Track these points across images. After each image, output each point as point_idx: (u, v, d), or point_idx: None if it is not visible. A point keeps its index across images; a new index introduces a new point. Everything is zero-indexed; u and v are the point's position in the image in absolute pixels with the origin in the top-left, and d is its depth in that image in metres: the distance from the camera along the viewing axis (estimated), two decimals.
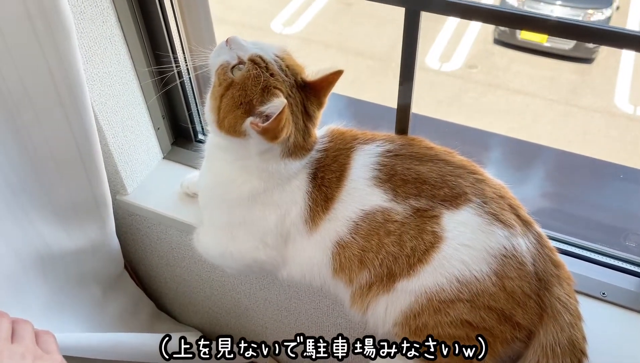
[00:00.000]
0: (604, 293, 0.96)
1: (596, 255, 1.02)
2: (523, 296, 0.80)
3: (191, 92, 1.17)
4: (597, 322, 0.92)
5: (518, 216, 0.84)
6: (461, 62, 4.43)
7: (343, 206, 0.86)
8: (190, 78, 1.14)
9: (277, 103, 0.77)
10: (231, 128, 0.81)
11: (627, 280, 0.98)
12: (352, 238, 0.85)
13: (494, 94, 4.14)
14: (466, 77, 4.35)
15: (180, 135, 1.24)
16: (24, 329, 0.73)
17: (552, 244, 0.89)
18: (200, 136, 1.25)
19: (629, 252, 1.00)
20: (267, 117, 0.78)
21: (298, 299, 1.19)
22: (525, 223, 0.84)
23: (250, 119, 0.79)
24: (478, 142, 1.36)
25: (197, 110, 1.20)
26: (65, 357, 0.75)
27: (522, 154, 1.32)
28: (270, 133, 0.79)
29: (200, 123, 1.23)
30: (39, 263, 0.95)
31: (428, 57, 4.40)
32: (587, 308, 0.91)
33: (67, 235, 0.99)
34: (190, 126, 1.21)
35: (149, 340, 1.12)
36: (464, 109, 3.98)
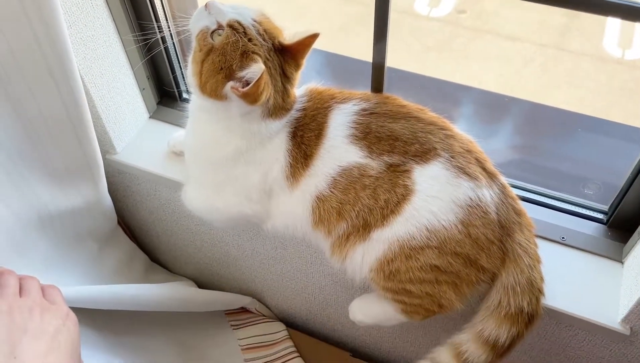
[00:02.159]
0: (563, 237, 1.02)
1: (557, 202, 1.07)
2: (487, 242, 0.86)
3: (174, 54, 1.19)
4: (557, 264, 0.99)
5: (484, 168, 0.89)
6: (450, 7, 4.36)
7: (322, 163, 0.90)
8: (173, 42, 1.16)
9: (256, 69, 0.80)
10: (213, 92, 0.85)
11: (585, 224, 1.04)
12: (331, 192, 0.90)
13: (484, 39, 4.09)
14: (455, 22, 4.29)
15: (165, 95, 1.27)
16: (31, 284, 0.78)
17: (517, 192, 0.94)
18: (184, 95, 1.28)
19: (588, 199, 1.06)
20: (247, 82, 0.81)
21: (283, 249, 1.25)
22: (490, 175, 0.89)
23: (230, 84, 0.82)
24: (454, 96, 1.40)
25: (181, 70, 1.23)
26: None
27: (495, 108, 1.36)
28: (250, 97, 0.82)
29: (185, 83, 1.26)
30: (38, 222, 1.00)
31: (417, 2, 4.33)
32: (548, 251, 0.98)
33: (63, 195, 1.04)
34: (174, 86, 1.24)
35: (144, 290, 1.19)
36: (454, 55, 3.95)
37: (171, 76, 1.21)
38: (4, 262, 0.92)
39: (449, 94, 1.39)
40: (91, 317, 1.09)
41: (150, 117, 1.25)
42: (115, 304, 1.12)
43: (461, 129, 0.94)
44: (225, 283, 1.52)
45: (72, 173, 1.04)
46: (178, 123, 1.23)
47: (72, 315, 0.79)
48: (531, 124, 1.32)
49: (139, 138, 1.22)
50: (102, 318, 1.13)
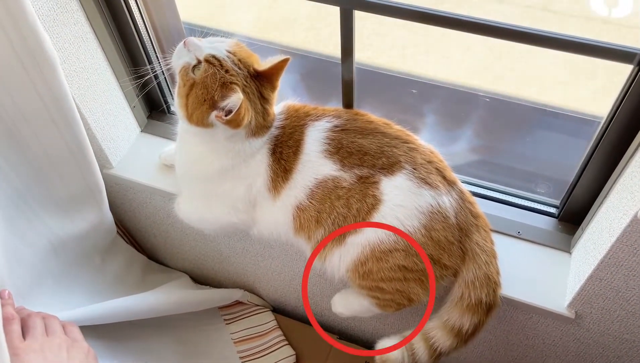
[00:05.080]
0: (519, 232, 1.12)
1: (513, 198, 1.16)
2: (447, 243, 0.96)
3: (162, 75, 1.27)
4: (514, 256, 1.09)
5: (444, 177, 0.99)
6: None
7: (300, 176, 0.99)
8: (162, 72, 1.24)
9: (235, 99, 0.88)
10: (199, 121, 0.93)
11: (539, 219, 1.13)
12: (309, 202, 0.99)
13: (469, 3, 4.10)
14: None
15: (155, 108, 1.36)
16: (54, 324, 0.88)
17: (477, 191, 1.03)
18: (173, 108, 1.36)
19: (541, 195, 1.16)
20: (229, 110, 0.89)
21: (270, 247, 1.34)
22: (450, 183, 0.99)
23: (214, 113, 0.90)
24: (421, 95, 1.49)
25: (169, 87, 1.31)
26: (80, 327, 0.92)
27: (457, 111, 1.44)
28: (233, 123, 0.91)
29: (172, 98, 1.34)
30: (50, 250, 1.10)
31: None
32: (505, 245, 1.09)
33: (71, 222, 1.13)
34: (163, 102, 1.32)
35: (141, 300, 1.28)
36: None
37: (160, 94, 1.30)
38: (27, 292, 1.01)
39: (412, 103, 1.47)
40: (95, 329, 1.19)
41: (141, 131, 1.34)
42: (116, 317, 1.22)
43: (424, 139, 1.04)
44: (220, 277, 1.61)
45: (77, 202, 1.14)
46: (168, 136, 1.31)
47: (92, 350, 0.90)
48: (492, 125, 1.40)
49: (132, 152, 1.30)
50: (105, 328, 1.23)
